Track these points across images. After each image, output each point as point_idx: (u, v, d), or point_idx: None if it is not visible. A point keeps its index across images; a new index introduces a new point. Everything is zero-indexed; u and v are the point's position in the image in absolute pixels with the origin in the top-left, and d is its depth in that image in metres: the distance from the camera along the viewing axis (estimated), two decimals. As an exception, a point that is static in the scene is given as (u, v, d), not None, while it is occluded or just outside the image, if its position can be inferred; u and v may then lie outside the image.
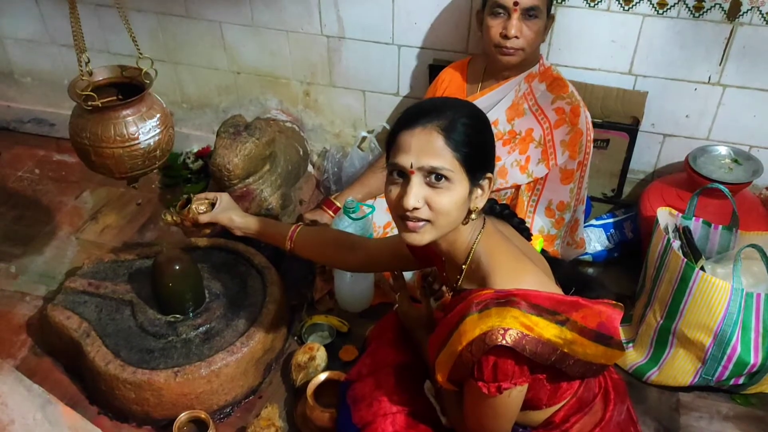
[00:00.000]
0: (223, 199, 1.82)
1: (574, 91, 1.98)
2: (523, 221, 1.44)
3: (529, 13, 1.84)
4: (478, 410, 1.28)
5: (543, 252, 1.46)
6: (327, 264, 2.04)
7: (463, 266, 1.31)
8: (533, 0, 1.82)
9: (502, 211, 1.41)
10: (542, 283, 1.25)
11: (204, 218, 1.78)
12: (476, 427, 1.32)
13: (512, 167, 1.99)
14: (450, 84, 2.08)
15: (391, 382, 1.52)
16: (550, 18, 1.91)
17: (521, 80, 1.96)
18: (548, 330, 1.19)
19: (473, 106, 1.29)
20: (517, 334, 1.17)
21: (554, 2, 1.92)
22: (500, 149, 2.00)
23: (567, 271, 1.42)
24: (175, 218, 1.81)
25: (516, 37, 1.85)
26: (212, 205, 1.81)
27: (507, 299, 1.19)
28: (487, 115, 1.96)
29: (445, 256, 1.35)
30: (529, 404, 1.33)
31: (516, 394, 1.24)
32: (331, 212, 2.16)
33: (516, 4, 1.83)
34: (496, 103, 1.98)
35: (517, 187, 2.02)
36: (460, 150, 1.19)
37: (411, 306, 1.60)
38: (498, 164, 2.01)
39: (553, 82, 1.97)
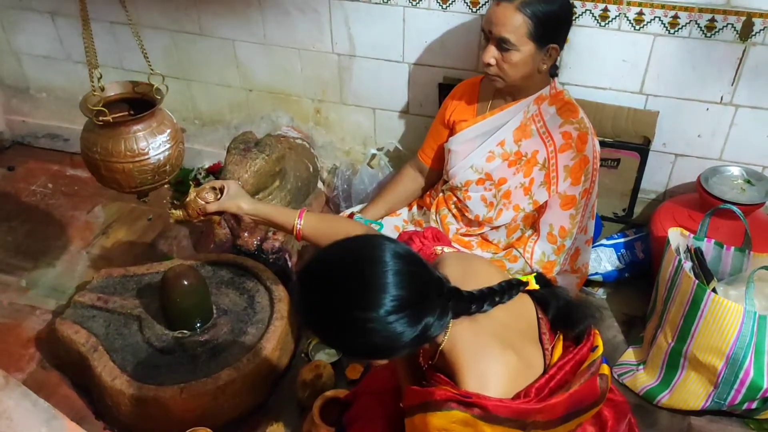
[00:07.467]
0: (231, 186, 1.70)
1: (584, 117, 1.94)
2: (511, 289, 1.33)
3: (501, 45, 1.82)
4: None
5: (539, 281, 1.40)
6: None
7: (430, 362, 1.33)
8: (504, 32, 1.79)
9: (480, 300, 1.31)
10: (507, 385, 1.24)
11: (212, 207, 1.68)
12: None
13: (516, 189, 1.97)
14: (461, 100, 2.07)
15: (382, 406, 1.51)
16: (549, 50, 1.84)
17: (530, 102, 1.94)
18: None
19: None
20: None
21: (561, 34, 1.86)
22: (506, 170, 1.98)
23: (560, 305, 1.38)
24: (183, 213, 1.71)
25: (489, 63, 1.85)
26: (220, 192, 1.70)
27: (469, 404, 1.20)
28: (495, 135, 1.98)
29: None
30: None
31: None
32: None
33: (490, 32, 1.82)
34: (505, 124, 1.96)
35: (520, 215, 2.00)
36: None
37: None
38: (503, 187, 1.99)
39: (563, 106, 1.94)
